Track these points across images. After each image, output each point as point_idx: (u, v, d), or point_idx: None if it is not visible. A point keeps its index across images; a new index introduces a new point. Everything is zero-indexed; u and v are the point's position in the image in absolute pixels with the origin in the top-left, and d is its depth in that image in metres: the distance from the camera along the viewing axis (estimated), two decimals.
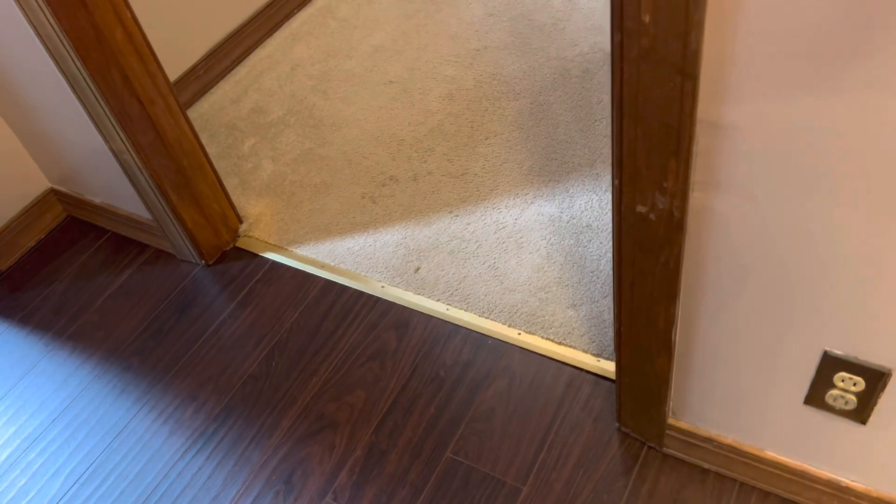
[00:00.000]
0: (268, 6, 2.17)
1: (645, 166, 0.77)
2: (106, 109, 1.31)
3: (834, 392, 0.88)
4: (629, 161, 0.78)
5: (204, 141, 1.90)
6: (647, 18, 0.65)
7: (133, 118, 1.34)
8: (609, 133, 1.66)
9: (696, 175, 0.77)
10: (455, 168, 1.69)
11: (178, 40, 1.96)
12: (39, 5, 1.16)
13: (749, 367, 0.94)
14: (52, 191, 1.74)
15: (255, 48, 2.16)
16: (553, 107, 1.77)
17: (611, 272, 1.40)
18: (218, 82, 2.08)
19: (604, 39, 1.91)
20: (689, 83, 0.68)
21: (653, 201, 0.80)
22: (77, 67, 1.25)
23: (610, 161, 1.61)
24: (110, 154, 1.43)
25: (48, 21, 1.18)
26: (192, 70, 2.01)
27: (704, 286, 0.88)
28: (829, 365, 0.86)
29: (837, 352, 0.85)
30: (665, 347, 0.97)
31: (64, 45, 1.22)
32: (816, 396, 0.90)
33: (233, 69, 2.11)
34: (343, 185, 1.72)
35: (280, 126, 1.91)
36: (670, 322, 0.93)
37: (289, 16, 2.24)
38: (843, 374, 0.86)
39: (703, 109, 0.71)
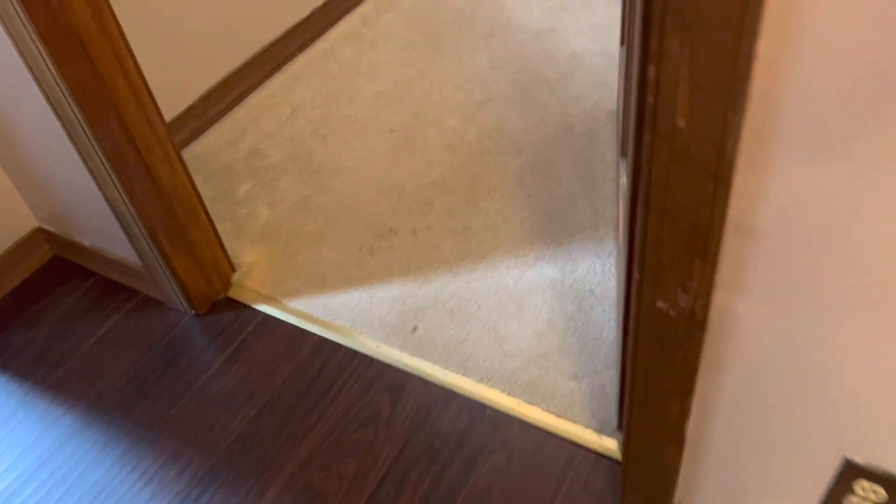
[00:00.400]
0: (269, 47, 2.15)
1: (669, 264, 0.74)
2: (101, 157, 1.27)
3: (853, 499, 0.84)
4: (652, 258, 0.75)
5: (199, 183, 1.86)
6: (681, 123, 0.63)
7: (129, 166, 1.30)
8: (613, 195, 1.64)
9: (722, 276, 0.74)
10: (456, 223, 1.66)
11: (177, 78, 1.93)
12: (40, 51, 1.13)
13: (764, 465, 0.91)
14: (40, 230, 1.69)
15: (255, 89, 2.14)
16: (556, 164, 1.75)
17: (613, 341, 1.37)
18: (215, 122, 2.05)
19: (608, 97, 1.90)
20: (721, 188, 0.66)
21: (674, 299, 0.77)
22: (74, 114, 1.21)
23: (615, 225, 1.59)
24: (103, 200, 1.39)
25: (48, 67, 1.15)
26: (190, 109, 1.98)
27: (722, 383, 0.85)
28: (849, 472, 0.83)
29: (858, 459, 0.81)
30: (676, 439, 0.93)
31: (62, 92, 1.18)
32: (833, 502, 0.87)
33: (231, 109, 2.08)
34: (341, 235, 1.68)
35: (278, 171, 1.87)
36: (684, 416, 0.89)
37: (290, 57, 2.22)
38: (863, 482, 0.82)
39: (734, 213, 0.68)
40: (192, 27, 1.91)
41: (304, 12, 2.23)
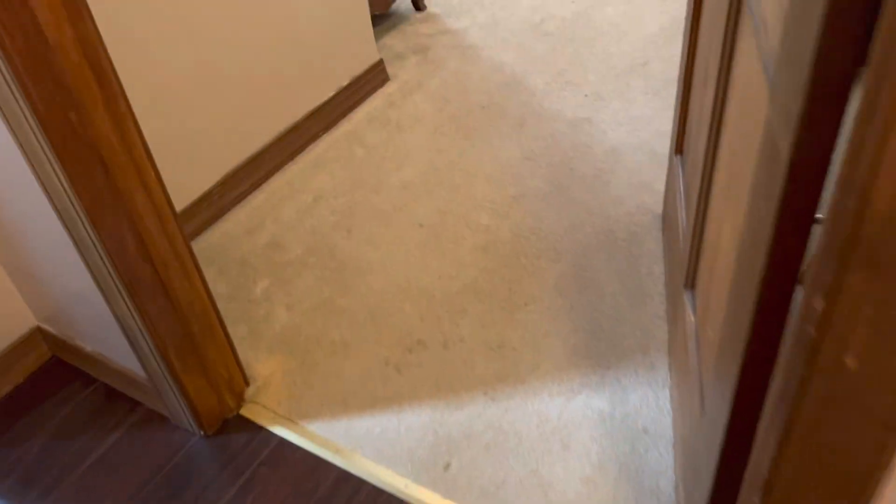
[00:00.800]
0: (292, 128, 2.05)
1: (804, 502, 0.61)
2: (113, 275, 1.15)
3: None
4: (782, 493, 0.62)
5: (212, 277, 1.73)
6: (851, 364, 0.50)
7: (143, 284, 1.18)
8: (663, 314, 1.52)
9: None
10: (491, 337, 1.53)
11: (195, 162, 1.82)
12: (53, 168, 1.02)
13: None
14: (38, 329, 1.56)
15: (276, 172, 2.03)
16: (598, 274, 1.63)
17: (672, 493, 1.23)
18: (233, 208, 1.94)
19: (651, 200, 1.80)
20: (893, 437, 0.53)
21: None
22: (87, 231, 1.09)
23: (667, 350, 1.46)
24: (111, 315, 1.26)
25: (61, 184, 1.03)
26: (207, 194, 1.87)
27: None
28: None
29: None
30: None
31: (75, 209, 1.06)
32: None
33: (250, 194, 1.97)
34: (365, 345, 1.55)
35: (298, 267, 1.75)
36: None
37: (313, 139, 2.12)
38: None
39: None
40: (212, 109, 1.82)
41: (328, 93, 2.14)
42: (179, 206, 1.79)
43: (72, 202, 1.05)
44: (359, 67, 2.23)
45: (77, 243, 1.14)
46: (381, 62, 2.30)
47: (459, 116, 2.19)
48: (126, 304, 1.20)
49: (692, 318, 1.17)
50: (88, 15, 0.97)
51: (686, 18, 1.40)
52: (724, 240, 0.92)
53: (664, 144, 1.96)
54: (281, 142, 2.03)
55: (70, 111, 0.98)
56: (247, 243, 1.83)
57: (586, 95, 2.21)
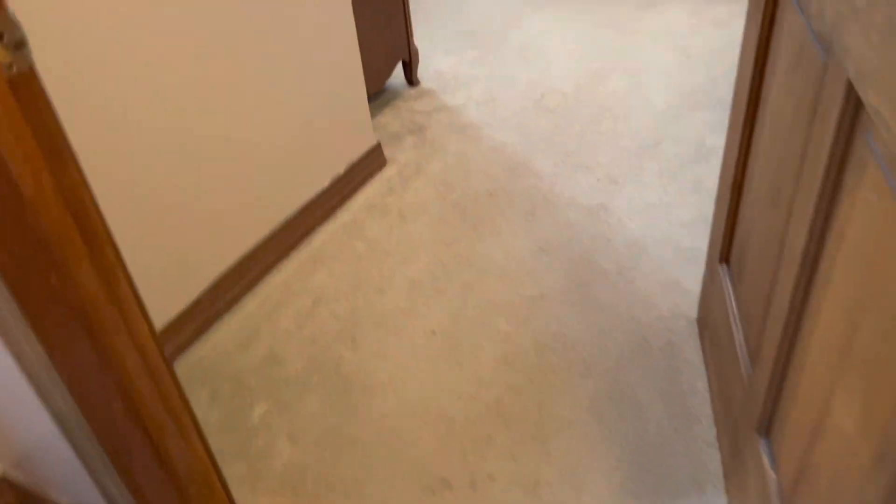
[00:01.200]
0: (287, 223, 1.89)
1: None
2: (98, 447, 0.96)
3: None
4: None
5: (204, 402, 1.54)
6: None
7: (134, 453, 0.99)
8: (713, 440, 1.37)
9: None
10: (523, 472, 1.36)
11: (181, 269, 1.64)
12: (26, 337, 0.84)
13: None
14: (3, 479, 1.35)
15: (270, 271, 1.86)
16: (636, 391, 1.48)
17: None
18: (224, 315, 1.75)
19: (684, 301, 1.66)
20: None
21: None
22: (66, 404, 0.91)
23: (723, 486, 1.30)
24: (93, 485, 1.07)
25: (35, 355, 0.86)
26: (196, 303, 1.68)
27: None
28: None
29: None
30: None
31: (52, 381, 0.88)
32: None
33: (242, 298, 1.79)
34: (381, 486, 1.37)
35: (299, 387, 1.57)
36: None
37: (308, 233, 1.96)
38: None
39: None
40: (198, 206, 1.65)
41: (324, 182, 1.99)
42: (165, 317, 1.61)
43: (49, 375, 0.87)
44: (356, 153, 2.09)
45: (56, 417, 0.95)
46: (378, 146, 2.17)
47: (464, 204, 2.05)
48: (113, 479, 1.01)
49: (772, 474, 1.02)
50: (72, 159, 0.80)
51: (733, 120, 1.28)
52: (839, 412, 0.77)
53: (689, 237, 1.83)
54: (274, 238, 1.86)
55: (49, 273, 0.81)
56: (241, 358, 1.65)
57: (598, 179, 2.09)
